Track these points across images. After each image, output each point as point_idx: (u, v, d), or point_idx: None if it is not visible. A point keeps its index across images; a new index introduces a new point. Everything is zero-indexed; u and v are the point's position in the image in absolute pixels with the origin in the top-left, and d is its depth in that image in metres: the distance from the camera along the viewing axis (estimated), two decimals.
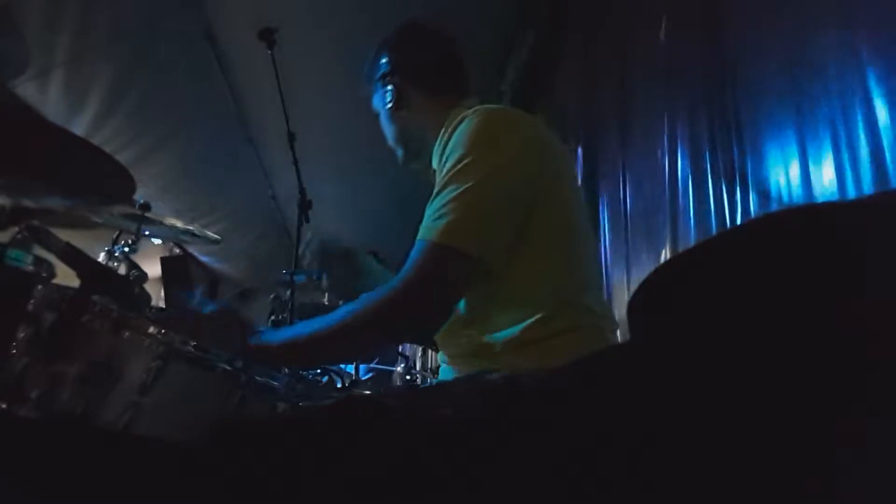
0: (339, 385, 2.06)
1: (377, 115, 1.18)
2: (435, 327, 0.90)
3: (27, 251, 0.92)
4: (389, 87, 1.11)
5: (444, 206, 0.86)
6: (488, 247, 0.85)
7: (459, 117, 0.95)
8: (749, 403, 0.42)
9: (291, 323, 1.92)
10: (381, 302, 0.85)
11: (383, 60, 1.13)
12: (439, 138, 0.97)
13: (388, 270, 1.24)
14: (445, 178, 0.89)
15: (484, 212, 0.86)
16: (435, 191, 0.91)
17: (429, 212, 0.89)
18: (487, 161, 0.88)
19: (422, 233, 0.87)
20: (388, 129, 1.15)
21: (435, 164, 1.00)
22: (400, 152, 1.16)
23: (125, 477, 0.68)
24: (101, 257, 1.82)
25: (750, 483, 0.42)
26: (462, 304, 0.96)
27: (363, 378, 2.92)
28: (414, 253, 0.86)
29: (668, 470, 0.45)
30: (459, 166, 0.88)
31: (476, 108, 0.98)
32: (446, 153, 0.92)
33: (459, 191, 0.86)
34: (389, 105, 1.11)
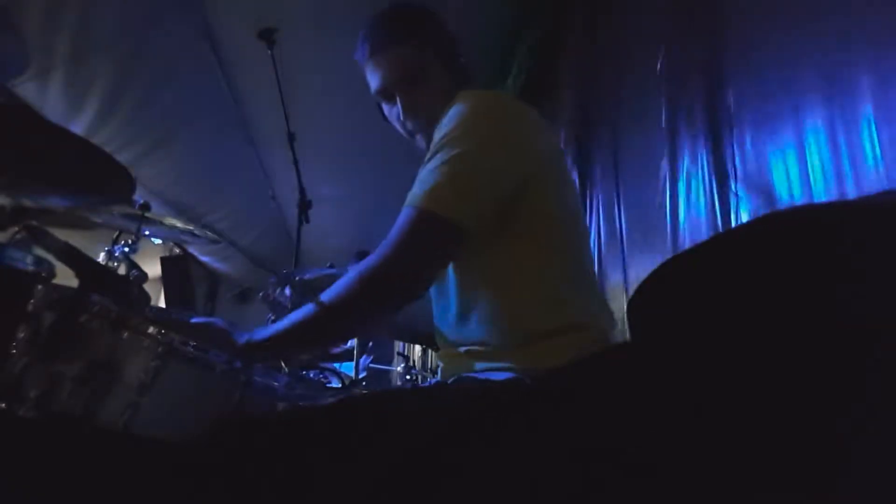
0: (338, 385, 2.06)
1: (396, 80, 1.04)
2: (417, 294, 0.89)
3: (27, 251, 0.92)
4: (432, 55, 1.04)
5: (429, 173, 0.87)
6: (470, 214, 0.86)
7: (455, 99, 0.96)
8: (749, 403, 0.42)
9: None
10: (366, 271, 0.85)
11: (422, 29, 1.05)
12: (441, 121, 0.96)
13: None
14: (435, 149, 0.90)
15: (468, 180, 0.87)
16: (425, 160, 0.92)
17: (417, 180, 0.90)
18: (477, 134, 0.89)
19: (407, 200, 0.88)
20: (428, 97, 1.04)
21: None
22: (412, 124, 1.06)
23: (125, 477, 0.68)
24: (101, 257, 1.82)
25: (749, 481, 0.42)
26: (460, 304, 0.96)
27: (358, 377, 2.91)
28: (398, 220, 0.87)
29: (669, 469, 0.45)
30: (449, 137, 0.89)
31: (471, 91, 0.98)
32: (440, 128, 0.93)
33: (445, 158, 0.87)
34: (433, 73, 1.04)
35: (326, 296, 0.86)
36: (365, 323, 0.98)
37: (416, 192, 0.87)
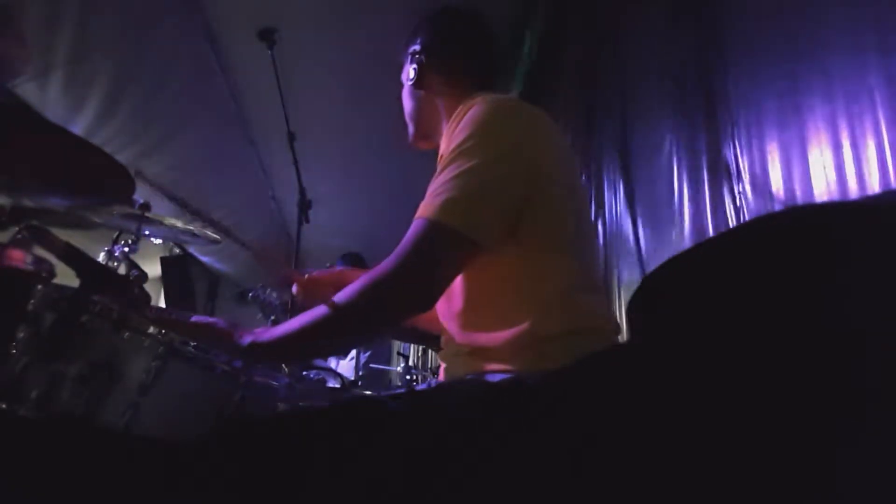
0: (339, 386, 2.06)
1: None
2: (427, 306, 0.89)
3: (27, 251, 0.92)
4: (414, 65, 1.12)
5: (443, 184, 0.87)
6: (483, 227, 0.86)
7: (469, 104, 0.97)
8: (747, 402, 0.42)
9: None
10: (377, 280, 0.85)
11: (418, 37, 1.15)
12: (449, 124, 0.98)
13: None
14: (448, 159, 0.90)
15: (482, 193, 0.87)
16: (437, 170, 0.92)
17: (429, 190, 0.90)
18: (491, 145, 0.89)
19: (419, 210, 0.88)
20: (406, 104, 1.18)
21: (442, 150, 1.01)
22: (411, 129, 1.18)
23: (125, 477, 0.68)
24: (101, 257, 1.82)
25: (748, 480, 0.42)
26: (465, 305, 0.96)
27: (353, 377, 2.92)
28: (410, 231, 0.87)
29: (668, 468, 0.45)
30: (463, 148, 0.89)
31: (486, 95, 0.98)
32: (453, 136, 0.93)
33: (460, 170, 0.87)
34: (410, 82, 1.13)
35: (333, 304, 0.86)
36: (372, 332, 0.98)
37: (428, 202, 0.87)
